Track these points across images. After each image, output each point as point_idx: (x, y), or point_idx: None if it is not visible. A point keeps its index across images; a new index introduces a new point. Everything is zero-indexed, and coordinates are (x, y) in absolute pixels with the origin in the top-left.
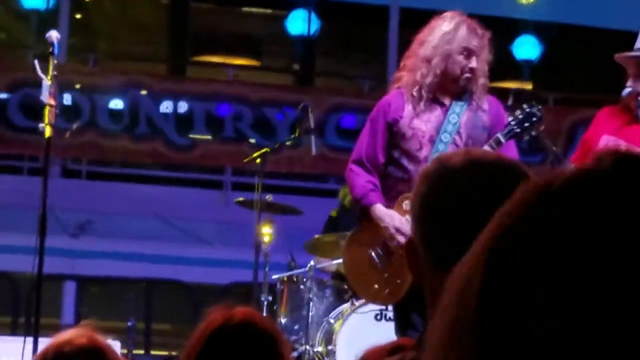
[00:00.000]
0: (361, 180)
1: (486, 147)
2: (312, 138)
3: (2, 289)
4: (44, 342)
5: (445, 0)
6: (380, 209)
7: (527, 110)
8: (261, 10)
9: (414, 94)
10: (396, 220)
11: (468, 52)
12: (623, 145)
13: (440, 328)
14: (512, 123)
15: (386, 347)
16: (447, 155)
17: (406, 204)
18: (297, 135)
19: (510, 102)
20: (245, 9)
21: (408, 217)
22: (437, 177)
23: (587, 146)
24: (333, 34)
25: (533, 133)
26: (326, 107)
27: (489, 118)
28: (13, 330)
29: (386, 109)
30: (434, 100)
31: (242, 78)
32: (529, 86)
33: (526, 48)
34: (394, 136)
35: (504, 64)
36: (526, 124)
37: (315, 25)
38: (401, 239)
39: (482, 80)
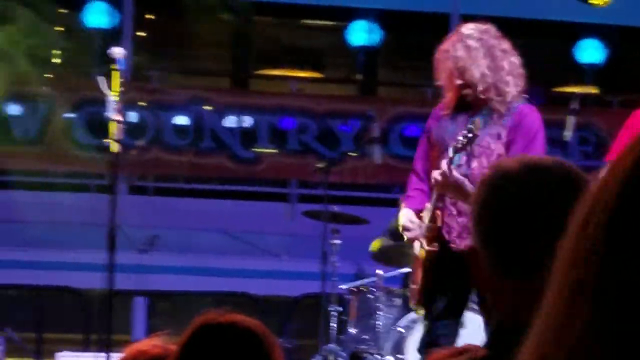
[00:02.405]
0: (409, 187)
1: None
2: (376, 147)
3: (73, 306)
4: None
5: (506, 6)
6: (401, 213)
7: (468, 127)
8: (322, 22)
9: (444, 105)
10: (404, 218)
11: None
12: None
13: (555, 295)
14: (459, 138)
15: (452, 350)
16: (504, 161)
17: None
18: (361, 145)
19: (576, 106)
20: (306, 21)
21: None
22: (493, 182)
23: None
24: (394, 43)
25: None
26: (389, 116)
27: (507, 128)
28: (85, 346)
29: (430, 119)
30: (460, 111)
31: (305, 90)
32: (593, 90)
33: (590, 52)
34: (428, 145)
35: (567, 69)
36: (464, 140)
37: (377, 35)
38: (406, 234)
39: (480, 89)
